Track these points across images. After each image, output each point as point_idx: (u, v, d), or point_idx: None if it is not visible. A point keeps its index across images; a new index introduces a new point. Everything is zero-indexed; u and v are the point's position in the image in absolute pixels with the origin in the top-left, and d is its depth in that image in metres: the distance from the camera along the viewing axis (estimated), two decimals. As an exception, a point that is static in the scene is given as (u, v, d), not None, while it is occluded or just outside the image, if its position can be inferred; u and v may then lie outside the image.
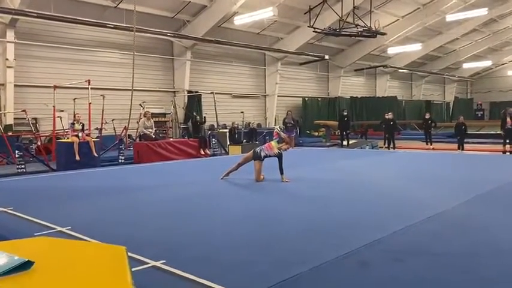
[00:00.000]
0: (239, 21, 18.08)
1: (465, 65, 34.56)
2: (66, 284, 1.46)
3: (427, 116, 18.03)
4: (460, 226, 4.57)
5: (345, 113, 18.72)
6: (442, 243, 3.95)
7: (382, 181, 7.73)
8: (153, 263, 3.44)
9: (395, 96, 30.29)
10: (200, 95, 19.77)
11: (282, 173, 7.50)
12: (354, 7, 18.00)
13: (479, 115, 37.28)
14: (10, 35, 14.48)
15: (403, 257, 3.56)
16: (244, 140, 16.45)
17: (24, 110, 13.60)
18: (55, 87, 13.78)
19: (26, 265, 1.57)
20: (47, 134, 14.68)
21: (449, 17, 22.26)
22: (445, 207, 5.33)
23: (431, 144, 17.06)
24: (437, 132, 20.42)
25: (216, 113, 17.58)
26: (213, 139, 15.41)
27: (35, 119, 15.03)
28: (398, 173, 8.94)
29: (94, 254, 1.79)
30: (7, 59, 14.47)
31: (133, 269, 3.11)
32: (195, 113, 16.56)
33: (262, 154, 7.58)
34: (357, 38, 21.20)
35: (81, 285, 1.45)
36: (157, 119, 17.21)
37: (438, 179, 7.84)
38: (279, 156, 7.58)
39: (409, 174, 8.73)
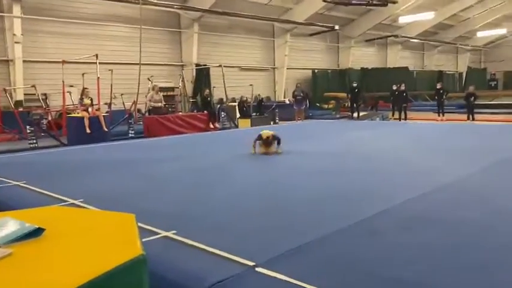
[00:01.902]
0: (246, -9, 17.73)
1: (479, 34, 33.68)
2: (76, 250, 1.48)
3: (439, 86, 17.70)
4: (472, 195, 4.54)
5: (355, 85, 18.52)
6: (453, 211, 3.93)
7: (393, 152, 7.68)
8: (164, 233, 3.48)
9: (407, 67, 29.77)
10: (208, 68, 19.63)
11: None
12: (365, -25, 17.52)
13: (493, 85, 36.58)
14: (17, 9, 14.41)
15: (412, 225, 3.56)
16: (254, 113, 16.39)
17: (33, 86, 13.65)
18: (63, 62, 13.77)
19: (36, 232, 1.60)
20: (57, 109, 14.77)
21: (464, -17, 21.58)
22: (457, 176, 5.29)
23: (443, 115, 16.78)
24: (449, 103, 20.12)
25: (224, 87, 17.49)
26: (222, 113, 15.39)
27: (45, 94, 15.11)
28: (409, 144, 8.87)
29: (103, 221, 1.81)
30: (14, 35, 14.44)
31: (144, 240, 3.15)
32: (207, 90, 16.43)
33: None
34: (367, 7, 20.72)
35: (91, 251, 1.47)
36: (166, 93, 17.17)
37: (449, 149, 7.76)
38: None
39: (421, 144, 8.65)
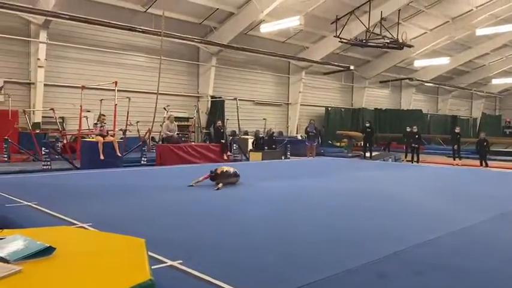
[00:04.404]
0: (265, 29, 18.18)
1: (494, 81, 33.76)
2: (86, 271, 1.49)
3: (457, 130, 17.59)
4: (483, 243, 4.44)
5: (367, 125, 18.57)
6: (463, 258, 3.84)
7: (405, 193, 7.58)
8: (170, 262, 3.45)
9: (421, 110, 29.78)
10: (223, 100, 19.90)
11: None
12: (382, 18, 17.88)
13: (508, 132, 36.30)
14: (43, 35, 14.93)
15: (422, 269, 3.48)
16: (266, 147, 16.43)
17: (52, 109, 13.95)
18: (83, 87, 14.10)
19: (47, 250, 1.60)
20: (73, 133, 15.01)
21: (479, 32, 21.81)
22: (469, 222, 5.18)
23: (460, 160, 16.47)
24: (463, 148, 19.96)
25: (238, 119, 17.67)
26: (234, 145, 15.46)
27: (62, 118, 15.41)
28: (421, 186, 8.75)
29: (114, 244, 1.81)
30: (38, 59, 14.91)
31: (150, 267, 3.11)
32: (219, 121, 16.74)
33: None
34: (383, 49, 21.03)
35: (101, 273, 1.47)
36: (180, 123, 17.38)
37: (462, 194, 7.65)
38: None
39: (433, 188, 8.53)
